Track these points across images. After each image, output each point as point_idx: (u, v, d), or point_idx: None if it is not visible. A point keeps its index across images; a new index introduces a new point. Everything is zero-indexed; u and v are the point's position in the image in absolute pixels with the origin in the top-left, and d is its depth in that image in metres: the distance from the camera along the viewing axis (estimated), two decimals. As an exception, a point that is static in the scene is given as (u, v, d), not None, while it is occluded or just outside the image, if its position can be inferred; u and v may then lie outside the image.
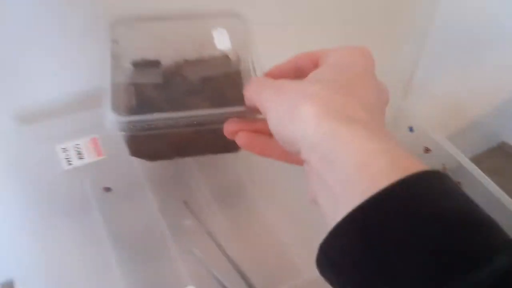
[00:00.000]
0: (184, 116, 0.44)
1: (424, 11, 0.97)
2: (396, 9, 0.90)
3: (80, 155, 0.55)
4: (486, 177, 0.77)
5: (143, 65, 0.54)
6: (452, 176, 0.82)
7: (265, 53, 0.55)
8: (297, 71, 0.34)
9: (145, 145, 0.51)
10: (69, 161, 0.54)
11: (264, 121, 0.31)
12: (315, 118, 0.26)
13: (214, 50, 0.55)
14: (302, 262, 0.49)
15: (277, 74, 0.35)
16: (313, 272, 0.41)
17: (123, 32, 0.52)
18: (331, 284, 0.26)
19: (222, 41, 0.55)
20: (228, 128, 0.35)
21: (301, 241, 0.51)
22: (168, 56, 0.54)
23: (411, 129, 0.83)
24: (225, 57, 0.55)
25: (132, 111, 0.49)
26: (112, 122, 0.42)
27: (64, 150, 0.55)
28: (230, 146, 0.52)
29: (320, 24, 0.76)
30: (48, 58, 0.55)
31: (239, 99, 0.36)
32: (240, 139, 0.34)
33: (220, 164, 0.57)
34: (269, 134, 0.31)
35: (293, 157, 0.31)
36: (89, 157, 0.54)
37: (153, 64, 0.54)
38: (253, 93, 0.32)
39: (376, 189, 0.23)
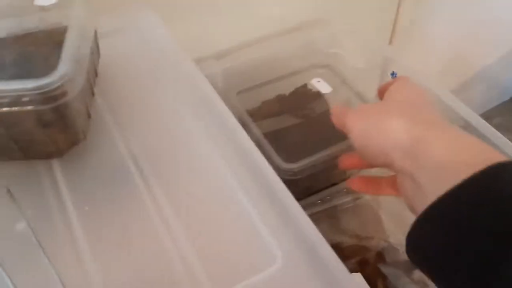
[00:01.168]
0: None
1: None
2: None
3: None
4: (499, 133, 0.57)
5: None
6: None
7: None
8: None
9: None
10: None
11: None
12: (404, 126, 0.30)
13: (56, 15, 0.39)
14: (203, 277, 0.30)
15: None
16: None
17: None
18: (422, 269, 0.28)
19: None
20: (344, 164, 0.39)
21: (204, 245, 0.32)
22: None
23: (393, 74, 0.63)
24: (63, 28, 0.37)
25: None
26: None
27: None
28: (44, 151, 0.35)
29: None
30: None
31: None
32: (354, 185, 0.38)
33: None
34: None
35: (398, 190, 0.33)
36: None
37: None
38: (339, 116, 0.36)
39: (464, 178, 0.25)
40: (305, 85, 0.59)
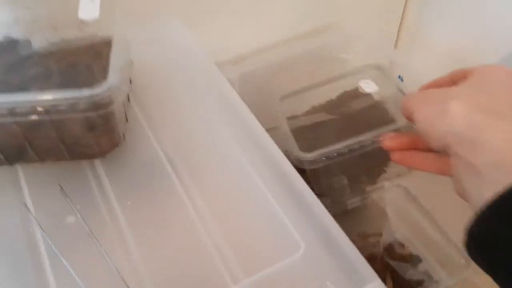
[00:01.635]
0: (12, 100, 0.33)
1: None
2: None
3: None
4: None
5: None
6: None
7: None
8: (452, 85, 0.35)
9: None
10: None
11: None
12: (463, 111, 0.29)
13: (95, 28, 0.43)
14: (231, 264, 0.34)
15: (433, 86, 0.38)
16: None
17: None
18: (481, 265, 0.27)
19: (88, 9, 0.42)
20: (387, 144, 0.38)
21: (231, 236, 0.36)
22: (39, 35, 0.43)
23: (399, 78, 0.67)
24: (106, 38, 0.41)
25: None
26: None
27: None
28: (87, 152, 0.39)
29: None
30: None
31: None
32: (395, 156, 0.38)
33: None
34: (422, 149, 0.36)
35: (441, 167, 0.35)
36: None
37: (10, 45, 0.42)
38: (405, 102, 0.35)
39: None
40: (356, 89, 0.58)
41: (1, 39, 0.42)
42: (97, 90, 0.33)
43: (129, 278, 0.32)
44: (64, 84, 0.38)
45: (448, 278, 0.62)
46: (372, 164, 0.55)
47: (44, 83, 0.38)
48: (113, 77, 0.34)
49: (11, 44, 0.42)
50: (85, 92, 0.33)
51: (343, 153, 0.48)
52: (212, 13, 0.61)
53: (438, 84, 0.38)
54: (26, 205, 0.36)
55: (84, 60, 0.41)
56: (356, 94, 0.57)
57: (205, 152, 0.41)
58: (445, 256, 0.66)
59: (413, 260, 0.67)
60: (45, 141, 0.37)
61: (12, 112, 0.34)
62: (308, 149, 0.48)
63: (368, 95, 0.56)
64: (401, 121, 0.50)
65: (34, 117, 0.35)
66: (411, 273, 0.64)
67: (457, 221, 0.67)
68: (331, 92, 0.58)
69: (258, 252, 0.35)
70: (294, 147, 0.48)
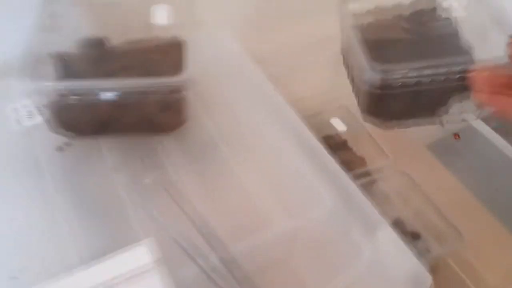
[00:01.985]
0: (100, 85, 0.43)
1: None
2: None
3: (31, 115, 0.50)
4: (488, 128, 0.71)
5: (86, 42, 0.52)
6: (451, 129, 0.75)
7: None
8: None
9: (65, 119, 0.47)
10: (19, 121, 0.50)
11: None
12: None
13: (162, 31, 0.53)
14: (272, 215, 0.45)
15: None
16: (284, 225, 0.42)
17: (64, 7, 0.52)
18: None
19: (160, 17, 0.53)
20: (476, 78, 0.35)
21: (272, 195, 0.46)
22: (115, 36, 0.53)
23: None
24: (172, 39, 0.52)
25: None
26: (23, 87, 0.43)
27: (15, 110, 0.50)
28: (160, 129, 0.49)
29: None
30: None
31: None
32: (481, 94, 0.35)
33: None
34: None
35: None
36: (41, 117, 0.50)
37: (97, 42, 0.53)
38: None
39: None
40: (434, 9, 0.52)
41: (87, 38, 0.52)
42: (176, 79, 0.43)
43: (196, 221, 0.43)
44: (143, 74, 0.49)
45: (440, 248, 0.72)
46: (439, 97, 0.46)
47: (127, 73, 0.48)
48: (189, 69, 0.44)
49: (95, 42, 0.53)
50: (166, 80, 0.43)
51: (419, 76, 0.41)
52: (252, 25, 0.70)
53: None
54: (113, 169, 0.46)
55: (156, 57, 0.51)
56: (433, 15, 0.51)
57: (249, 133, 0.51)
58: (442, 234, 0.76)
59: (413, 236, 0.77)
60: (126, 118, 0.48)
61: (109, 92, 0.44)
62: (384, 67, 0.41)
63: (448, 20, 0.50)
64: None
65: (121, 98, 0.45)
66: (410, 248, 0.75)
67: (454, 202, 0.77)
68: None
69: (295, 207, 0.46)
70: (368, 62, 0.42)
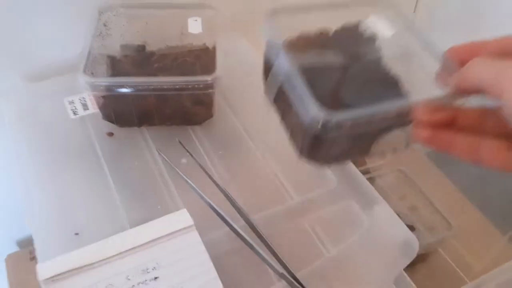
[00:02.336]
0: (146, 81, 0.53)
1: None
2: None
3: (85, 106, 0.60)
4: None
5: (130, 47, 0.62)
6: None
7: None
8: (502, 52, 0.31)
9: (115, 109, 0.57)
10: (75, 111, 0.59)
11: (462, 111, 0.31)
12: None
13: (194, 39, 0.63)
14: (286, 192, 0.54)
15: (476, 51, 0.32)
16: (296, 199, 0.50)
17: (113, 17, 0.62)
18: None
19: (195, 27, 0.63)
20: (417, 115, 0.33)
21: (286, 175, 0.55)
22: (154, 42, 0.63)
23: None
24: (202, 45, 0.62)
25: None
26: (82, 82, 0.52)
27: (71, 102, 0.60)
28: (193, 119, 0.60)
29: None
30: (50, 29, 0.64)
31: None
32: (421, 134, 0.32)
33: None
34: (457, 129, 0.31)
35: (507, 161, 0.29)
36: (94, 108, 0.59)
37: (138, 48, 0.62)
38: (482, 73, 0.29)
39: None
40: (357, 24, 0.50)
41: (131, 44, 0.62)
42: (207, 77, 0.53)
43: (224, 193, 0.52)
44: (178, 74, 0.58)
45: (432, 237, 0.81)
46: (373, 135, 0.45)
47: (164, 73, 0.58)
48: (219, 70, 0.54)
49: (137, 47, 0.62)
50: (199, 78, 0.53)
51: (362, 121, 0.39)
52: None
53: (481, 51, 0.32)
54: (157, 151, 0.56)
55: (189, 60, 0.61)
56: (359, 32, 0.50)
57: (266, 125, 0.61)
58: (434, 225, 0.85)
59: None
60: (165, 110, 0.57)
61: (153, 88, 0.53)
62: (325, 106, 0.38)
63: (373, 39, 0.49)
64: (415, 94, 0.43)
65: (165, 93, 0.54)
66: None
67: (445, 198, 0.86)
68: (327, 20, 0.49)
69: (306, 181, 0.55)
70: (311, 104, 0.38)
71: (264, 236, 0.48)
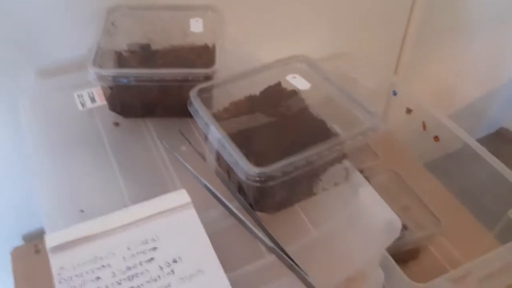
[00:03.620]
0: (150, 72, 0.57)
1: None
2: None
3: (92, 100, 0.64)
4: (463, 130, 0.84)
5: (136, 46, 0.67)
6: (432, 132, 0.89)
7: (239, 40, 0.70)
8: None
9: (121, 100, 0.61)
10: (83, 104, 0.64)
11: None
12: None
13: (196, 39, 0.68)
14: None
15: None
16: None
17: (120, 17, 0.67)
18: None
19: (196, 27, 0.68)
20: None
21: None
22: (158, 41, 0.68)
23: (394, 93, 0.90)
24: (203, 45, 0.67)
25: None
26: (91, 73, 0.56)
27: (80, 95, 0.65)
28: None
29: (300, 14, 0.88)
30: (61, 29, 0.70)
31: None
32: None
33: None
34: None
35: None
36: (101, 101, 0.64)
37: (144, 47, 0.67)
38: None
39: None
40: (279, 83, 0.57)
41: (136, 42, 0.67)
42: (209, 70, 0.57)
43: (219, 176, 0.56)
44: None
45: (422, 232, 0.84)
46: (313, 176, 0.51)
47: (170, 68, 0.63)
48: (218, 63, 0.58)
49: (142, 46, 0.67)
50: (200, 71, 0.57)
51: (304, 165, 0.45)
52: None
53: None
54: (159, 139, 0.60)
55: (191, 57, 0.65)
56: (281, 90, 0.56)
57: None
58: (423, 222, 0.88)
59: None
60: (168, 101, 0.62)
61: (157, 79, 0.58)
62: (258, 162, 0.44)
63: (294, 93, 0.55)
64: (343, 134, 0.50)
65: (167, 84, 0.58)
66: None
67: (435, 194, 0.89)
68: (250, 86, 0.56)
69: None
70: (241, 159, 0.44)
71: (255, 215, 0.52)
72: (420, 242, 0.85)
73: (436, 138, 0.87)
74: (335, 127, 0.51)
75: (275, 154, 0.45)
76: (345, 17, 0.99)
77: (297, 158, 0.44)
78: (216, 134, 0.48)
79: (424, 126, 0.88)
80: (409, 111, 0.89)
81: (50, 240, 0.47)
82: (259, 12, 0.84)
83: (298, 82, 0.55)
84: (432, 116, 0.87)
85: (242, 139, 0.48)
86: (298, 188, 0.51)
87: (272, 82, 0.57)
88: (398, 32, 1.09)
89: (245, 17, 0.80)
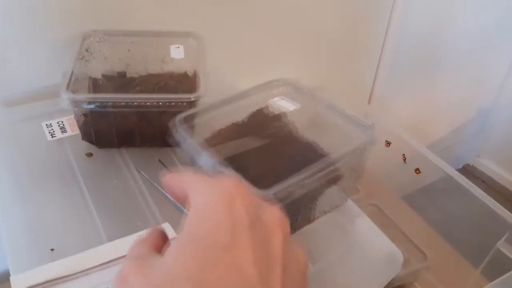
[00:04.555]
0: (129, 97, 0.54)
1: (376, 33, 1.08)
2: (351, 25, 1.01)
3: (63, 129, 0.59)
4: (443, 161, 0.83)
5: (112, 73, 0.64)
6: (412, 164, 0.88)
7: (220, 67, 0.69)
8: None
9: (95, 128, 0.57)
10: (52, 134, 0.59)
11: None
12: None
13: (175, 67, 0.65)
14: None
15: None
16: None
17: (96, 43, 0.64)
18: None
19: (177, 53, 0.65)
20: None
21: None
22: (135, 68, 0.65)
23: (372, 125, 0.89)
24: (183, 73, 0.64)
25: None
26: (64, 99, 0.52)
27: (48, 125, 0.60)
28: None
29: (277, 45, 0.88)
30: (30, 57, 0.65)
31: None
32: None
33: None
34: None
35: None
36: (72, 131, 0.59)
37: (119, 75, 0.64)
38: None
39: None
40: (266, 107, 0.55)
41: (112, 70, 0.63)
42: (192, 96, 0.54)
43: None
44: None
45: (409, 268, 0.81)
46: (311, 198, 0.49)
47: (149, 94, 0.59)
48: (201, 90, 0.55)
49: (118, 73, 0.64)
50: (185, 96, 0.54)
51: (304, 184, 0.43)
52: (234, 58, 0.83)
53: None
54: (137, 169, 0.55)
55: (171, 84, 0.62)
56: (269, 113, 0.54)
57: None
58: (408, 256, 0.85)
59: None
60: (148, 130, 0.58)
61: (137, 105, 0.54)
62: (257, 185, 0.40)
63: (284, 115, 0.53)
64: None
65: (147, 110, 0.54)
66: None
67: (418, 230, 0.87)
68: (235, 112, 0.54)
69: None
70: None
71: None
72: (405, 278, 0.82)
73: (417, 171, 0.86)
74: (330, 146, 0.49)
75: (273, 177, 0.43)
76: (318, 51, 0.99)
77: (296, 180, 0.43)
78: (210, 160, 0.45)
79: (404, 159, 0.87)
80: (388, 143, 0.88)
81: (16, 283, 0.41)
82: (238, 39, 0.83)
83: (285, 104, 0.54)
84: (412, 148, 0.86)
85: (237, 164, 0.45)
86: (298, 212, 0.48)
87: (256, 106, 0.55)
88: (372, 64, 1.10)
89: (225, 44, 0.78)
